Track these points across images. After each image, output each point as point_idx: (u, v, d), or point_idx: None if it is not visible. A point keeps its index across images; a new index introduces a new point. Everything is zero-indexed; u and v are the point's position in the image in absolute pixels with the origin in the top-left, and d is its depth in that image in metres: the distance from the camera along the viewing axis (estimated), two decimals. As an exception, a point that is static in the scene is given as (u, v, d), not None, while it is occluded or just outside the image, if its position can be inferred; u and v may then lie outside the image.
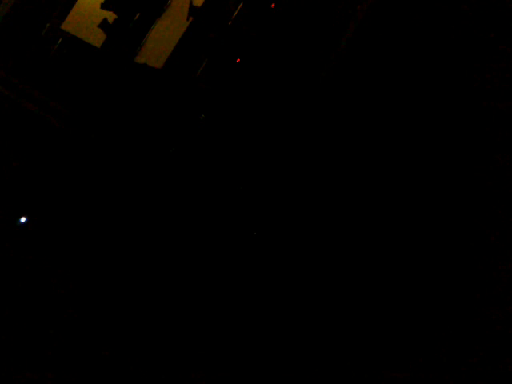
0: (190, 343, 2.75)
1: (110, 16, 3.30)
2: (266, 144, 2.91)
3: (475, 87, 2.77)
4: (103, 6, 3.28)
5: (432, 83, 2.83)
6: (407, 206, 2.71)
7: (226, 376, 2.67)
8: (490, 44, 2.80)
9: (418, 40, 2.90)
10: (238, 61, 3.06)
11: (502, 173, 2.62)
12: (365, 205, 2.76)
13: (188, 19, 3.16)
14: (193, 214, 2.90)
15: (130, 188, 3.00)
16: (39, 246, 3.01)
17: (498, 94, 2.73)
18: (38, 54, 3.42)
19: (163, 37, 3.24)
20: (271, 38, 3.05)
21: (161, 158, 2.97)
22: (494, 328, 2.41)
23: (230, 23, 3.12)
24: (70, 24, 3.41)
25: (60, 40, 3.40)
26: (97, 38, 3.32)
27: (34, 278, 2.94)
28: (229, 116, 3.00)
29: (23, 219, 3.03)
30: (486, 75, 2.76)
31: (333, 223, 2.78)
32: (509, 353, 2.36)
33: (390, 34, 2.95)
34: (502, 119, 2.69)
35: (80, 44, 3.35)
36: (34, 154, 3.16)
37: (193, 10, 3.13)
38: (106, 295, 2.89)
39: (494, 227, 2.56)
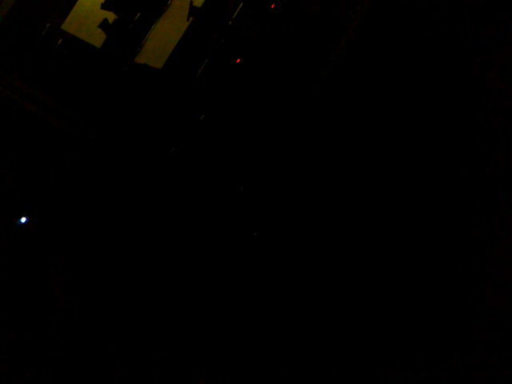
0: (190, 343, 2.75)
1: (111, 16, 3.30)
2: (267, 144, 2.91)
3: (474, 85, 2.77)
4: (103, 7, 3.28)
5: (432, 83, 2.83)
6: (407, 208, 2.71)
7: (226, 376, 2.67)
8: (489, 42, 2.81)
9: (418, 40, 2.90)
10: (238, 61, 3.06)
11: (501, 172, 2.63)
12: (364, 203, 2.77)
13: (188, 19, 3.16)
14: (193, 214, 2.90)
15: (130, 188, 3.00)
16: (39, 246, 3.01)
17: (498, 92, 2.73)
18: (38, 54, 3.42)
19: (163, 37, 3.24)
20: (271, 38, 3.06)
21: (161, 158, 2.97)
22: (494, 328, 2.42)
23: (230, 23, 3.12)
24: (71, 24, 3.41)
25: (60, 40, 3.40)
26: (97, 38, 3.32)
27: (34, 278, 2.94)
28: (229, 116, 3.01)
29: (23, 219, 3.03)
30: (486, 73, 2.76)
31: (333, 223, 2.78)
32: (508, 352, 2.37)
33: (390, 35, 2.95)
34: (501, 117, 2.70)
35: (80, 44, 3.36)
36: (34, 154, 3.16)
37: (193, 10, 3.13)
38: (106, 295, 2.89)
39: (493, 226, 2.56)
